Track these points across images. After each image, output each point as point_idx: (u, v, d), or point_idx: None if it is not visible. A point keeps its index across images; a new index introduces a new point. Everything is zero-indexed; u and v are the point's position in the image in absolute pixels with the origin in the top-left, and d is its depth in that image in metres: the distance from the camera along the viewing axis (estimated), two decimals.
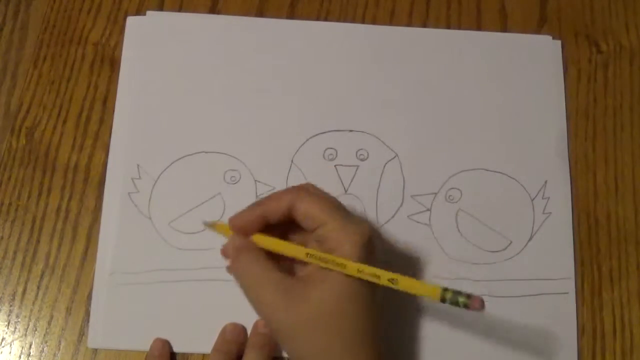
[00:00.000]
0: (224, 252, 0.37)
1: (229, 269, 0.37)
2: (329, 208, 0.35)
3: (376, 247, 0.35)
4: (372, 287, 0.35)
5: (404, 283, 0.31)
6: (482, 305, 0.28)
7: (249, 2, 0.50)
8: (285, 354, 0.41)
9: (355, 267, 0.33)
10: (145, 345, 0.41)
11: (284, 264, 0.36)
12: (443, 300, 0.30)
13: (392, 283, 0.31)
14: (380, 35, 0.48)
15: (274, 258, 0.36)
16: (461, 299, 0.29)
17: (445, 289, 0.30)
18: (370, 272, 0.32)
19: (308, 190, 0.37)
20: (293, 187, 0.37)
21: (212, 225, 0.40)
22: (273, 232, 0.37)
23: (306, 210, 0.35)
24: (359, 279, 0.34)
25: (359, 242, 0.34)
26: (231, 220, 0.37)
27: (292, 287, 0.34)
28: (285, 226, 0.37)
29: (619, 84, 0.48)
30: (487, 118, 0.46)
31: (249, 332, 0.41)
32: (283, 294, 0.34)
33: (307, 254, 0.34)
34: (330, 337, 0.33)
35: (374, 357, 0.34)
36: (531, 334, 0.42)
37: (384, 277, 0.32)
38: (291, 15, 0.49)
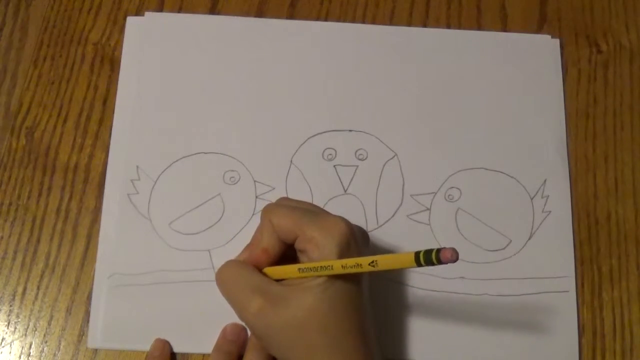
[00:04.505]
0: None
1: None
2: (299, 217, 0.35)
3: (358, 240, 0.35)
4: (357, 285, 0.35)
5: (383, 262, 0.31)
6: (454, 255, 0.28)
7: (249, 2, 0.50)
8: None
9: (339, 265, 0.32)
10: (145, 345, 0.41)
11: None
12: (419, 263, 0.29)
13: (374, 266, 0.31)
14: (381, 35, 0.48)
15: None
16: (433, 256, 0.28)
17: (418, 252, 0.29)
18: (352, 264, 0.32)
19: (278, 204, 0.37)
20: (266, 205, 0.37)
21: None
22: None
23: (279, 225, 0.35)
24: (340, 279, 0.34)
25: (335, 244, 0.34)
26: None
27: (272, 290, 0.34)
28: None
29: (619, 84, 0.48)
30: (486, 117, 0.46)
31: (249, 332, 0.41)
32: (262, 297, 0.34)
33: (299, 269, 0.34)
34: (315, 338, 0.33)
35: (364, 354, 0.34)
36: (531, 333, 0.42)
37: (365, 263, 0.32)
38: (291, 15, 0.49)
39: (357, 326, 0.34)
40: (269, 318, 0.34)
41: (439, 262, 0.28)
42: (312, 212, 0.36)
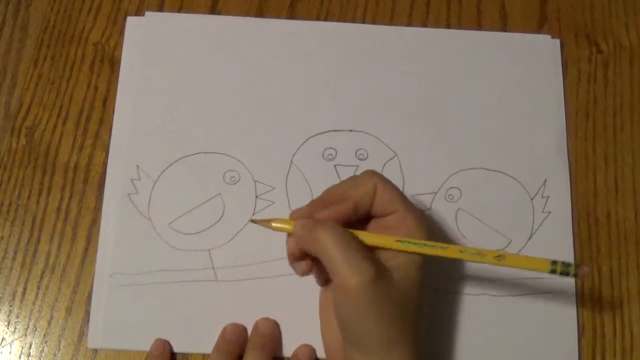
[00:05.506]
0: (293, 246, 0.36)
1: (305, 241, 0.35)
2: (403, 196, 0.36)
3: None
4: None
5: (512, 260, 0.34)
6: (588, 272, 0.33)
7: (249, 2, 0.50)
8: (285, 354, 0.41)
9: (457, 249, 0.34)
10: (145, 345, 0.41)
11: None
12: (553, 272, 0.33)
13: (499, 260, 0.33)
14: (381, 35, 0.48)
15: None
16: (571, 269, 0.33)
17: (554, 262, 0.33)
18: (474, 251, 0.34)
19: (383, 175, 0.37)
20: (370, 172, 0.37)
21: (267, 223, 0.37)
22: None
23: (387, 197, 0.36)
24: (424, 263, 0.35)
25: (427, 230, 0.35)
26: (319, 215, 0.36)
27: (383, 264, 0.34)
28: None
29: (619, 84, 0.48)
30: (486, 117, 0.46)
31: (249, 332, 0.41)
32: (379, 269, 0.33)
33: (398, 240, 0.35)
34: (409, 315, 0.34)
35: (419, 343, 0.35)
36: (531, 333, 0.42)
37: (489, 255, 0.33)
38: (291, 15, 0.49)
39: (418, 316, 0.35)
40: (378, 289, 0.33)
41: (575, 276, 0.33)
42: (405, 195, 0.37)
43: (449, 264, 0.43)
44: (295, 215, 0.36)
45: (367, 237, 0.35)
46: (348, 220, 0.36)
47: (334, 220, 0.35)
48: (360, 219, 0.37)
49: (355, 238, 0.35)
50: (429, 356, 0.41)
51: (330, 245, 0.33)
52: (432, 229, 0.36)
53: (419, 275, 0.35)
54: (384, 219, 0.36)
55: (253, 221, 0.38)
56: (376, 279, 0.33)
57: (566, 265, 0.32)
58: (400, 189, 0.37)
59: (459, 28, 0.49)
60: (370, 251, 0.35)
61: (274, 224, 0.37)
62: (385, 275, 0.34)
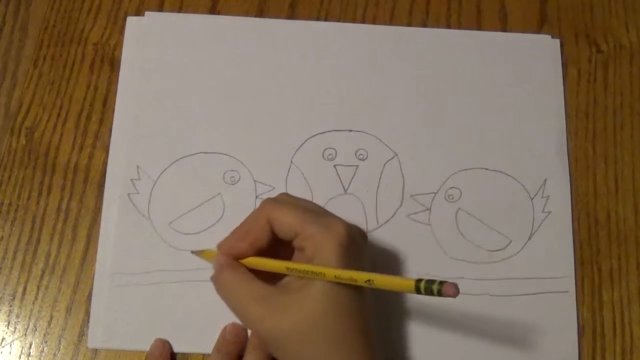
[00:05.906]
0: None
1: (215, 288, 0.37)
2: (302, 215, 0.35)
3: (357, 242, 0.35)
4: (358, 287, 0.34)
5: (380, 281, 0.31)
6: (455, 290, 0.28)
7: (249, 2, 0.50)
8: None
9: (332, 274, 0.33)
10: (145, 345, 0.41)
11: (268, 275, 0.36)
12: (418, 291, 0.29)
13: (369, 284, 0.32)
14: (380, 35, 0.48)
15: (259, 271, 0.37)
16: (435, 287, 0.29)
17: (419, 280, 0.29)
18: (347, 277, 0.32)
19: (280, 200, 0.37)
20: (266, 200, 0.37)
21: (199, 253, 0.40)
22: (266, 252, 0.37)
23: (281, 222, 0.35)
24: (341, 283, 0.33)
25: (335, 245, 0.34)
26: (221, 249, 0.37)
27: (273, 296, 0.34)
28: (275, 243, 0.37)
29: (619, 84, 0.48)
30: (486, 117, 0.47)
31: (249, 332, 0.41)
32: (263, 304, 0.34)
33: (287, 267, 0.34)
34: (321, 343, 0.33)
35: (369, 355, 0.34)
36: (531, 333, 0.42)
37: (360, 279, 0.32)
38: (291, 15, 0.49)
39: (360, 328, 0.34)
40: (271, 325, 0.33)
41: (440, 294, 0.29)
42: (314, 211, 0.36)
43: (445, 265, 0.43)
44: (222, 247, 0.37)
45: (258, 262, 0.36)
46: (260, 250, 0.36)
47: (252, 250, 0.36)
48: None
49: (248, 280, 0.35)
50: (428, 356, 0.41)
51: (224, 297, 0.36)
52: (352, 238, 0.35)
53: (328, 289, 0.33)
54: (295, 241, 0.36)
55: (193, 252, 0.41)
56: (265, 318, 0.33)
57: (429, 282, 0.29)
58: (311, 204, 0.37)
59: (459, 28, 0.49)
60: (271, 283, 0.35)
61: (202, 255, 0.40)
62: (279, 308, 0.33)
